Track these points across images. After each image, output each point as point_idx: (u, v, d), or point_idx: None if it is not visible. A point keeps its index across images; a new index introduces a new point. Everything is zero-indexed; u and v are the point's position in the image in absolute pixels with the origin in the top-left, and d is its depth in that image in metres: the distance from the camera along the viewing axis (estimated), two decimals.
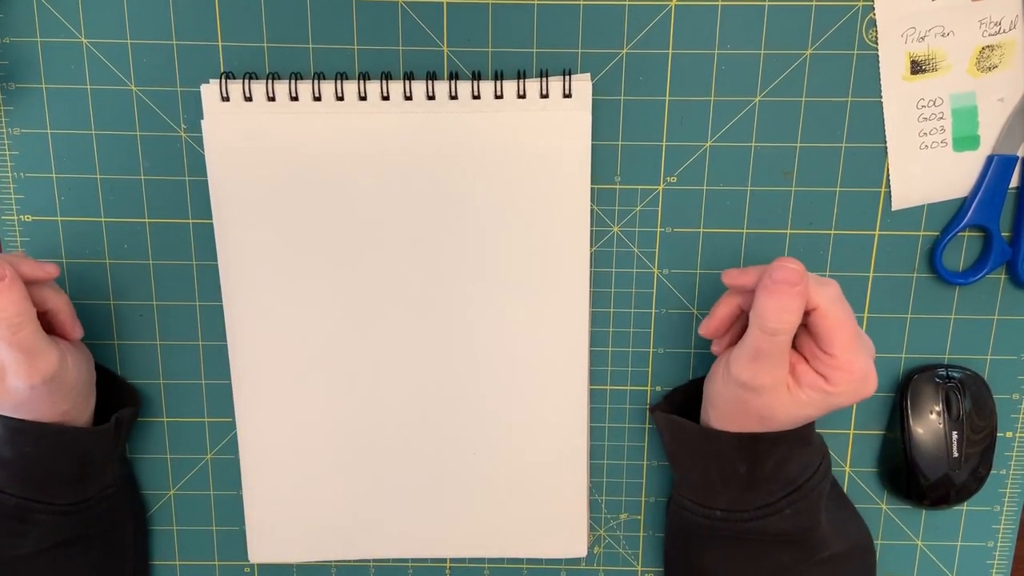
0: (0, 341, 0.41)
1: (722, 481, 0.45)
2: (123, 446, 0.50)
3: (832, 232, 0.49)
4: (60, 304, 0.45)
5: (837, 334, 0.41)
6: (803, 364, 0.43)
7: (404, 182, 0.47)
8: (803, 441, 0.45)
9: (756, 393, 0.42)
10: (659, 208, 0.49)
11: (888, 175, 0.48)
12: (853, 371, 0.41)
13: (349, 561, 0.55)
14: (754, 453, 0.44)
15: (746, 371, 0.42)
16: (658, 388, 0.52)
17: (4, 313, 0.40)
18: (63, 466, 0.45)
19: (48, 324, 0.45)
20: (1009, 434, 0.52)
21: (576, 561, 0.55)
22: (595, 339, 0.51)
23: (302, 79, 0.46)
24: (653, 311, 0.51)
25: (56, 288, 0.46)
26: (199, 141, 0.48)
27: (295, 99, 0.46)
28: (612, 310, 0.51)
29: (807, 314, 0.42)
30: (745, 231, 0.49)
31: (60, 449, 0.45)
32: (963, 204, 0.49)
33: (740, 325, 0.46)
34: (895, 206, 0.49)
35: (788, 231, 0.49)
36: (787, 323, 0.40)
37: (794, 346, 0.43)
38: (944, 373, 0.50)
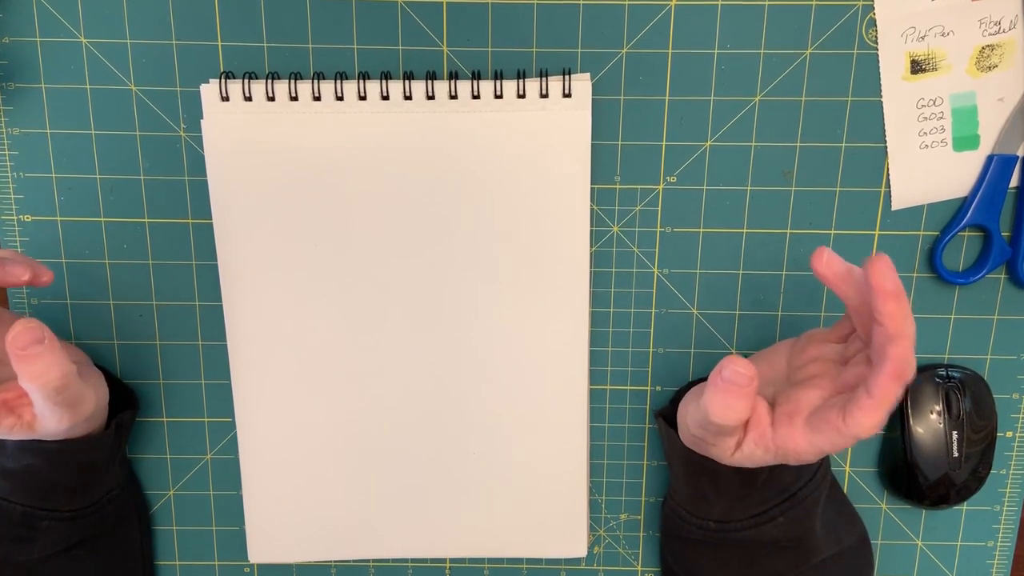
0: (42, 399, 0.40)
1: (716, 493, 0.45)
2: (124, 448, 0.50)
3: (832, 232, 0.49)
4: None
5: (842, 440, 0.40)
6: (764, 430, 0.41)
7: (404, 182, 0.47)
8: None
9: (708, 444, 0.43)
10: (659, 208, 0.49)
11: (888, 175, 0.48)
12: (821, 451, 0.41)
13: (349, 561, 0.55)
14: (745, 469, 0.44)
15: (698, 431, 0.42)
16: (658, 388, 0.52)
17: (47, 379, 0.39)
18: (67, 475, 0.45)
19: None
20: (1009, 434, 0.52)
21: (576, 561, 0.55)
22: (595, 339, 0.51)
23: (302, 79, 0.46)
24: (653, 311, 0.51)
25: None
26: (199, 141, 0.48)
27: (295, 99, 0.46)
28: (612, 310, 0.51)
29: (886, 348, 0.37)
30: (745, 231, 0.49)
31: (63, 461, 0.45)
32: (963, 204, 0.49)
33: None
34: (895, 206, 0.49)
35: (788, 231, 0.49)
36: (731, 419, 0.39)
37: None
38: (944, 373, 0.50)
